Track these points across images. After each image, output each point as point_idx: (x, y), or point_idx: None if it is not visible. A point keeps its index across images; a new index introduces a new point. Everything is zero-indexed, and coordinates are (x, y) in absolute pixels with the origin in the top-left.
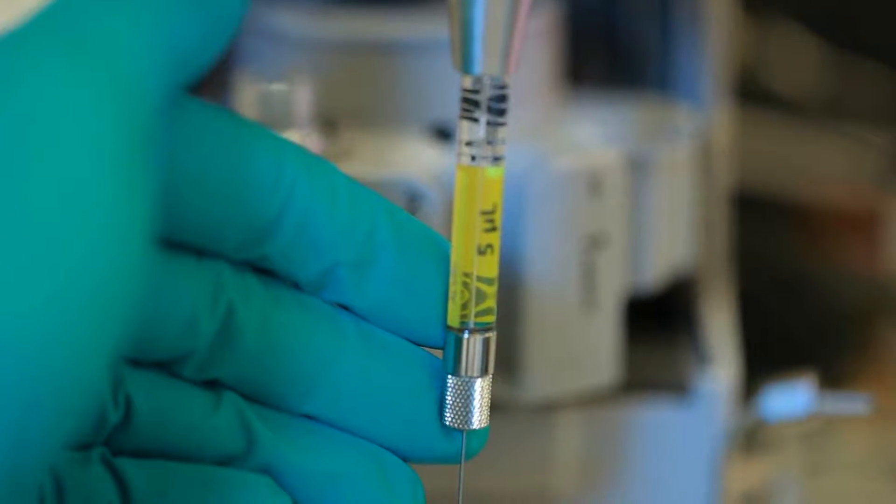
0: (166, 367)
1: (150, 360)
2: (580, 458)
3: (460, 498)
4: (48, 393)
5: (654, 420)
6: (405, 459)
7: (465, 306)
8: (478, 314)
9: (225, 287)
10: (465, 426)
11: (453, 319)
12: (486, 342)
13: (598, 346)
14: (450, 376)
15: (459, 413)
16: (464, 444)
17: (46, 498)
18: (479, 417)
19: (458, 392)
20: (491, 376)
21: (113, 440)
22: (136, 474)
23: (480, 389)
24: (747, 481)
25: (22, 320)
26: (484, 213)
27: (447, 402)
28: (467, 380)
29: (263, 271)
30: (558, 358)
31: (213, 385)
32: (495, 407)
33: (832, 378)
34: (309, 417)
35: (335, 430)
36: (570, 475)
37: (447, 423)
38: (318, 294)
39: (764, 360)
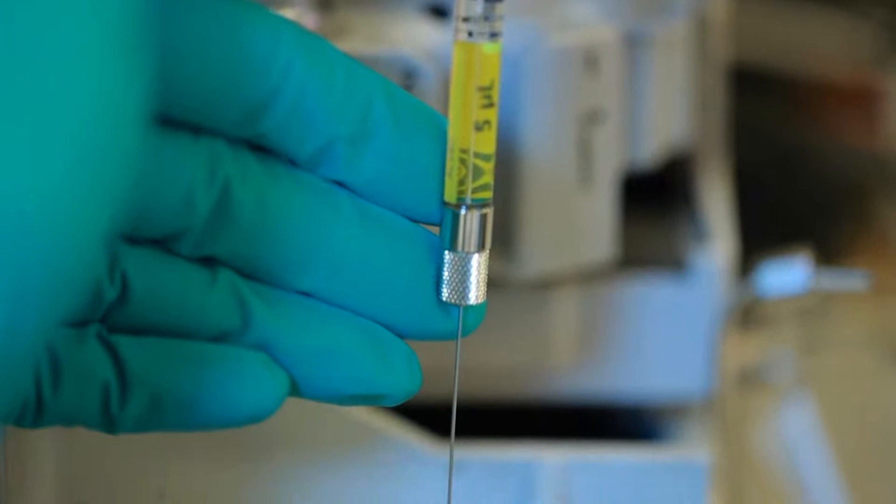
0: (162, 244)
1: (146, 237)
2: (577, 334)
3: (456, 373)
4: (44, 267)
5: (651, 296)
6: (402, 336)
7: (461, 182)
8: (475, 190)
9: (221, 164)
10: (462, 301)
11: (450, 195)
12: (483, 218)
13: (595, 223)
14: (447, 252)
15: (456, 289)
16: (460, 320)
17: (43, 374)
18: (475, 293)
19: (455, 268)
20: (488, 252)
21: (109, 317)
22: (131, 351)
23: (477, 265)
24: (744, 357)
25: (19, 195)
26: (481, 88)
27: (444, 277)
28: (464, 255)
29: (260, 149)
30: (555, 234)
31: (209, 262)
32: (492, 284)
33: (829, 254)
34: (305, 294)
35: (332, 306)
36: (566, 351)
37: (444, 299)
38: (315, 171)
39: (761, 237)
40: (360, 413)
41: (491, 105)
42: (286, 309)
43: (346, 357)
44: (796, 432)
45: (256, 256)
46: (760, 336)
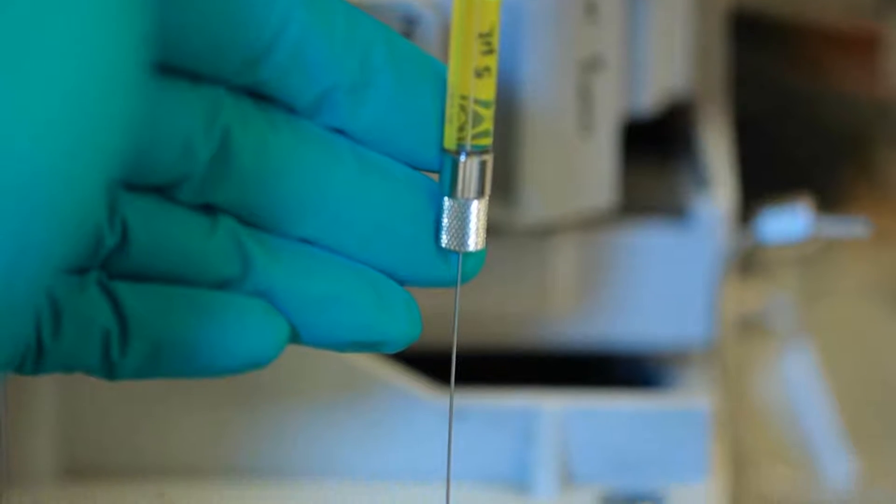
0: (163, 191)
1: (146, 184)
2: (577, 280)
3: (455, 320)
4: (45, 214)
5: (651, 243)
6: (402, 283)
7: (461, 129)
8: (475, 136)
9: (221, 111)
10: (462, 248)
11: (450, 142)
12: (483, 164)
13: (595, 170)
14: (446, 199)
15: (456, 235)
16: (460, 267)
17: (43, 321)
18: (475, 239)
19: (455, 214)
20: (487, 198)
21: (109, 265)
22: (132, 298)
23: (477, 211)
24: (744, 305)
25: (18, 141)
26: (481, 35)
27: (444, 224)
28: (464, 202)
29: (260, 97)
30: (555, 181)
31: (209, 210)
32: (492, 230)
33: (830, 202)
34: (305, 242)
35: (332, 253)
36: (566, 298)
37: (444, 245)
38: (315, 119)
39: (762, 184)
40: (361, 360)
41: (491, 51)
42: (286, 256)
43: (346, 304)
44: (797, 379)
45: (256, 204)
46: (761, 283)
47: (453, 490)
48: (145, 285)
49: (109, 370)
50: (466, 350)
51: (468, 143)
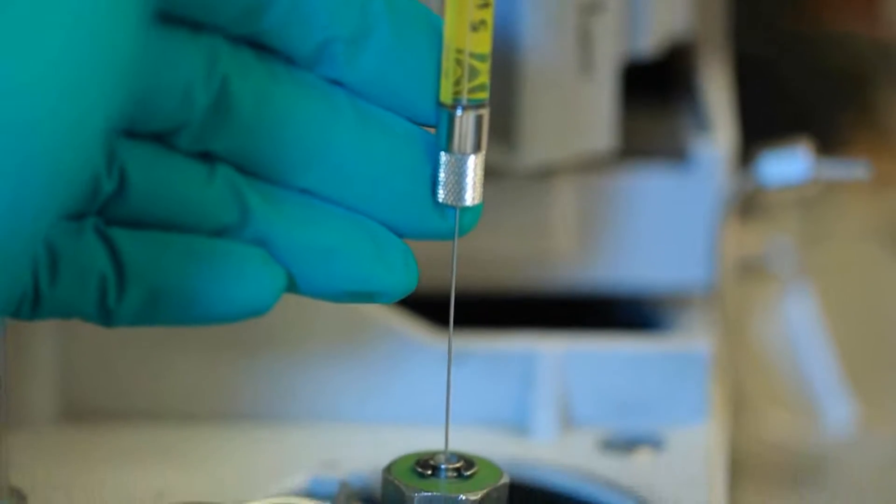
0: (161, 138)
1: (145, 131)
2: (577, 223)
3: (453, 276)
4: (44, 157)
5: (651, 186)
6: (399, 235)
7: (457, 83)
8: (471, 90)
9: (220, 60)
10: (459, 203)
11: (446, 96)
12: (479, 119)
13: (595, 112)
14: (443, 153)
15: (453, 190)
16: (457, 221)
17: (40, 267)
18: (472, 194)
19: (452, 169)
20: (484, 153)
21: (107, 211)
22: (129, 244)
23: (474, 166)
24: (744, 248)
25: (20, 82)
26: None
27: (440, 179)
28: (460, 157)
29: (260, 48)
30: (555, 124)
31: (207, 158)
32: (492, 173)
33: (831, 144)
34: (304, 192)
35: (330, 204)
36: (566, 241)
37: (440, 200)
38: (314, 70)
39: (762, 126)
40: (360, 304)
41: (486, 5)
42: (284, 205)
43: (344, 254)
44: (797, 323)
45: (255, 153)
46: (761, 227)
47: (454, 433)
48: (143, 232)
49: (106, 316)
50: (466, 293)
51: (464, 98)
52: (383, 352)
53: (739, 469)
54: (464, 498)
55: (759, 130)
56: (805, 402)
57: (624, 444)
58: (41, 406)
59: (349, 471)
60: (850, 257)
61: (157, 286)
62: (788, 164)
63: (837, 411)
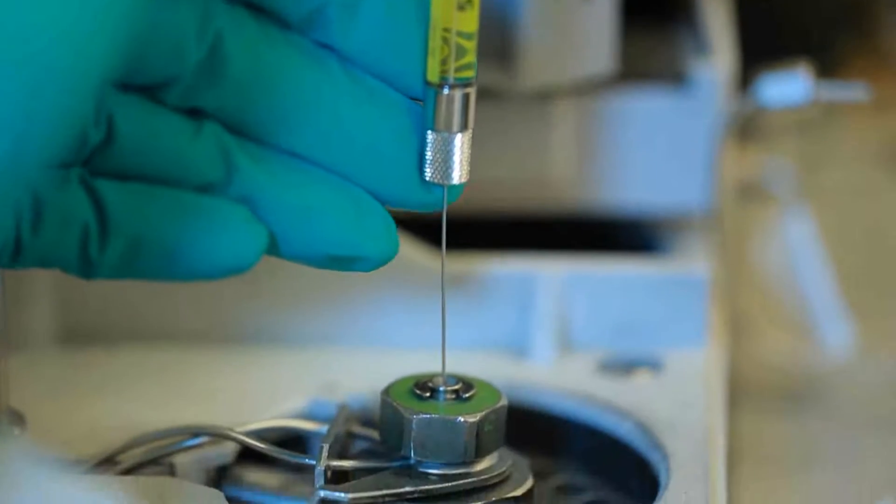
0: (151, 92)
1: (135, 83)
2: (576, 146)
3: (443, 254)
4: (30, 107)
5: (651, 109)
6: (383, 203)
7: (444, 62)
8: (458, 69)
9: (215, 16)
10: (446, 181)
11: (433, 75)
12: (466, 97)
13: (595, 35)
14: (429, 132)
15: (440, 168)
16: (445, 199)
17: (23, 216)
18: (459, 172)
19: (439, 147)
20: (471, 131)
21: (93, 162)
22: (113, 195)
23: (461, 144)
24: (743, 171)
25: (24, 25)
26: None
27: (427, 157)
28: (447, 135)
29: (256, 9)
30: (554, 46)
31: (196, 115)
32: (492, 96)
33: (830, 68)
34: (291, 154)
35: (316, 167)
36: (566, 164)
37: (428, 178)
38: (307, 34)
39: (761, 49)
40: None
41: None
42: (270, 166)
43: (326, 217)
44: (796, 246)
45: (244, 112)
46: (760, 150)
47: (452, 356)
48: (128, 184)
49: (87, 267)
50: (466, 216)
51: (451, 76)
52: (382, 274)
53: (738, 391)
54: (462, 420)
55: (758, 53)
56: (804, 325)
57: (622, 367)
58: (40, 329)
59: (348, 393)
60: (849, 180)
61: (140, 238)
62: (788, 86)
63: (836, 334)
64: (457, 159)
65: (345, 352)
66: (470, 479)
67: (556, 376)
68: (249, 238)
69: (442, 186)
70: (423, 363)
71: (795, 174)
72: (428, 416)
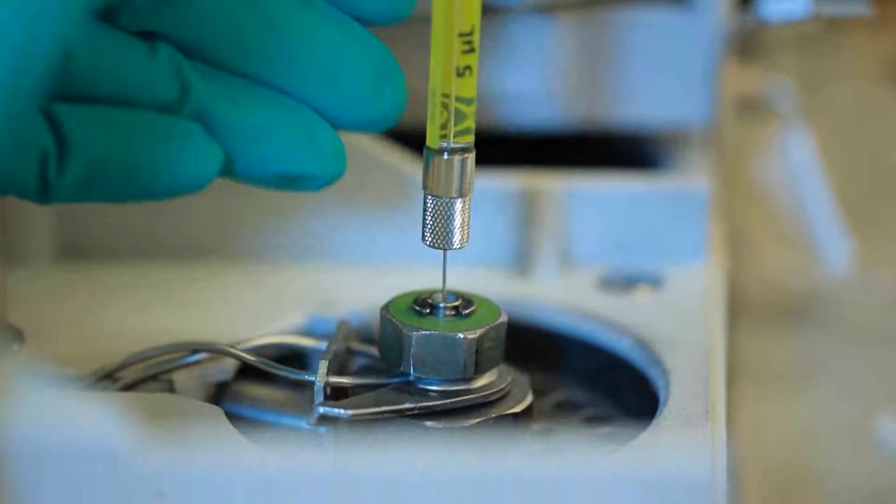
0: (105, 16)
1: (88, 7)
2: (577, 61)
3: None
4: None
5: (652, 23)
6: (334, 124)
7: (444, 127)
8: (457, 134)
9: None
10: (447, 246)
11: (433, 140)
12: (465, 163)
13: None
14: (429, 197)
15: (440, 233)
16: (444, 265)
17: None
18: (459, 237)
19: (439, 213)
20: (470, 196)
21: None
22: (70, 118)
23: (460, 209)
24: (744, 87)
25: None
26: (462, 34)
27: (426, 222)
28: (447, 201)
29: None
30: None
31: (151, 38)
32: (492, 11)
33: None
34: (243, 75)
35: (268, 88)
36: (567, 78)
37: (427, 244)
38: None
39: None
40: (362, 140)
41: (472, 51)
42: (224, 87)
43: (279, 137)
44: (796, 162)
45: (198, 34)
46: (761, 66)
47: (453, 273)
48: (85, 106)
49: (45, 191)
50: None
51: (451, 142)
52: (382, 190)
53: (738, 307)
54: (462, 336)
55: None
56: (803, 242)
57: (623, 283)
58: (39, 245)
59: (347, 309)
60: (850, 97)
61: (98, 159)
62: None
63: (836, 251)
64: (457, 224)
65: (344, 268)
66: (469, 396)
67: (557, 293)
68: (206, 156)
69: (395, 105)
70: (422, 280)
71: (796, 90)
72: (427, 332)
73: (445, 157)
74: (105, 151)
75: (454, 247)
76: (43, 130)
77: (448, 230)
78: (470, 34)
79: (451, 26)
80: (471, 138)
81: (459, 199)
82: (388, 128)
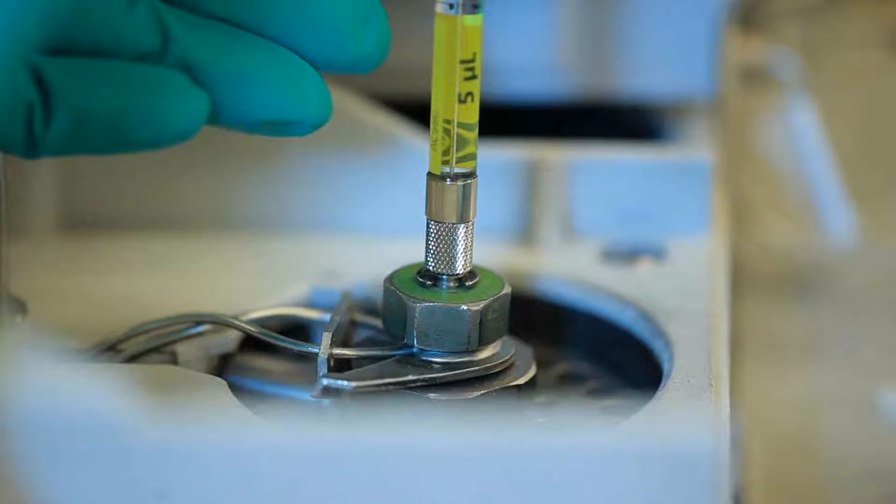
0: None
1: None
2: (581, 31)
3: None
4: None
5: None
6: (315, 66)
7: (446, 153)
8: (459, 160)
9: None
10: (450, 271)
11: (435, 167)
12: (467, 188)
13: None
14: (432, 223)
15: (443, 258)
16: (446, 281)
17: None
18: (462, 262)
19: (442, 238)
20: (472, 222)
21: None
22: (54, 70)
23: (464, 234)
24: (748, 56)
25: None
26: (463, 62)
27: (430, 248)
28: (450, 226)
29: None
30: None
31: None
32: None
33: None
34: (224, 21)
35: (250, 33)
36: (570, 48)
37: (431, 269)
38: None
39: None
40: (360, 112)
41: (474, 77)
42: (206, 33)
43: (263, 82)
44: (799, 132)
45: None
46: (764, 36)
47: None
48: (68, 59)
49: (32, 145)
50: None
51: (453, 167)
52: (385, 159)
53: (741, 278)
54: (465, 308)
55: None
56: (807, 213)
57: (626, 255)
58: (42, 216)
59: (351, 281)
60: (853, 66)
61: (84, 110)
62: None
63: (839, 221)
64: (459, 249)
65: (347, 239)
66: (473, 368)
67: (560, 264)
68: (192, 103)
69: (379, 43)
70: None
71: (799, 60)
72: (431, 303)
73: (448, 182)
74: (90, 103)
75: (457, 272)
76: (28, 85)
77: (451, 255)
78: (472, 61)
79: (452, 53)
80: (473, 164)
81: (462, 225)
82: (374, 67)
